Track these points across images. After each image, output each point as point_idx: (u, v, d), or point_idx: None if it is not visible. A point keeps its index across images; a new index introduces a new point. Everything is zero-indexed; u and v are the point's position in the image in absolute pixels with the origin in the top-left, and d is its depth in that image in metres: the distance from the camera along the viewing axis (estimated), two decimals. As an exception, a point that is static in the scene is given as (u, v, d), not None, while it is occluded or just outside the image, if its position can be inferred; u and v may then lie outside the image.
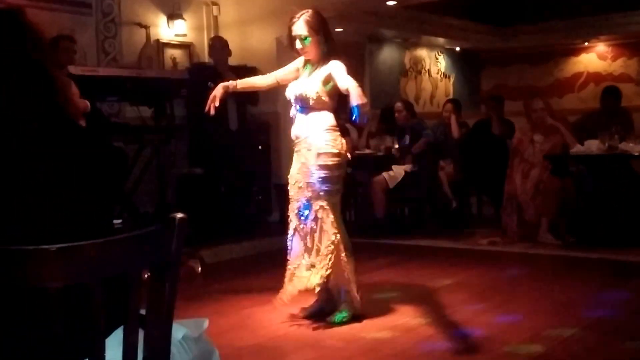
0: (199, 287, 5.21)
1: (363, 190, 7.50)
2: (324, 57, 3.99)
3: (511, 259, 6.00)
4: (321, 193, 3.98)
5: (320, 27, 3.96)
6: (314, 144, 4.00)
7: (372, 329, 3.97)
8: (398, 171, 7.21)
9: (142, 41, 7.37)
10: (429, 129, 7.58)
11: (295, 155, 4.15)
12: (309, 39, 3.96)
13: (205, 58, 7.60)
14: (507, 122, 7.74)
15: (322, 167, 3.96)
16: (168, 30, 7.55)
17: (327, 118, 4.03)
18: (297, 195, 4.09)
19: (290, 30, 4.01)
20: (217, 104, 4.09)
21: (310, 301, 4.23)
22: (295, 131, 4.11)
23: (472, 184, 7.68)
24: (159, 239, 1.46)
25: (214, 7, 7.97)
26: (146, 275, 1.46)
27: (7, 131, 1.54)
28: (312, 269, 4.04)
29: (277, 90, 7.23)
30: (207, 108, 4.12)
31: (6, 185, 1.49)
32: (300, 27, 3.95)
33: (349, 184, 7.68)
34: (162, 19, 7.52)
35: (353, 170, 7.65)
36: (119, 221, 5.16)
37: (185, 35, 7.64)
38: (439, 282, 5.06)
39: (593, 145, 6.28)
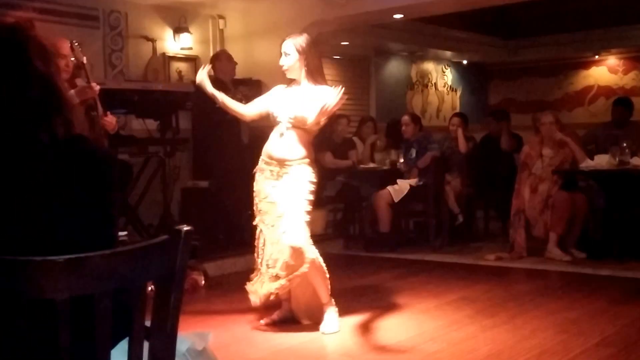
0: (203, 300, 5.19)
1: (367, 204, 7.47)
2: (307, 78, 4.14)
3: (518, 274, 5.95)
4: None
5: (304, 49, 4.12)
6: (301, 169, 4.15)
7: (376, 344, 3.94)
8: (403, 185, 7.17)
9: (148, 54, 7.39)
10: (435, 142, 7.55)
11: (267, 172, 4.28)
12: (291, 56, 4.13)
13: (211, 71, 7.59)
14: (515, 136, 7.72)
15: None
16: (174, 44, 7.57)
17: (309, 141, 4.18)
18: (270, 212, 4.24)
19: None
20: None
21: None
22: (278, 151, 4.20)
23: (479, 198, 7.64)
24: (165, 251, 1.45)
25: (220, 21, 7.99)
26: (150, 289, 1.45)
27: (9, 133, 1.54)
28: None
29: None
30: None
31: (6, 185, 1.48)
32: (287, 44, 4.17)
33: (353, 198, 7.73)
34: (168, 32, 7.55)
35: (358, 184, 7.65)
36: (124, 233, 5.15)
37: (191, 48, 7.65)
38: (445, 298, 5.02)
39: (603, 160, 6.22)
